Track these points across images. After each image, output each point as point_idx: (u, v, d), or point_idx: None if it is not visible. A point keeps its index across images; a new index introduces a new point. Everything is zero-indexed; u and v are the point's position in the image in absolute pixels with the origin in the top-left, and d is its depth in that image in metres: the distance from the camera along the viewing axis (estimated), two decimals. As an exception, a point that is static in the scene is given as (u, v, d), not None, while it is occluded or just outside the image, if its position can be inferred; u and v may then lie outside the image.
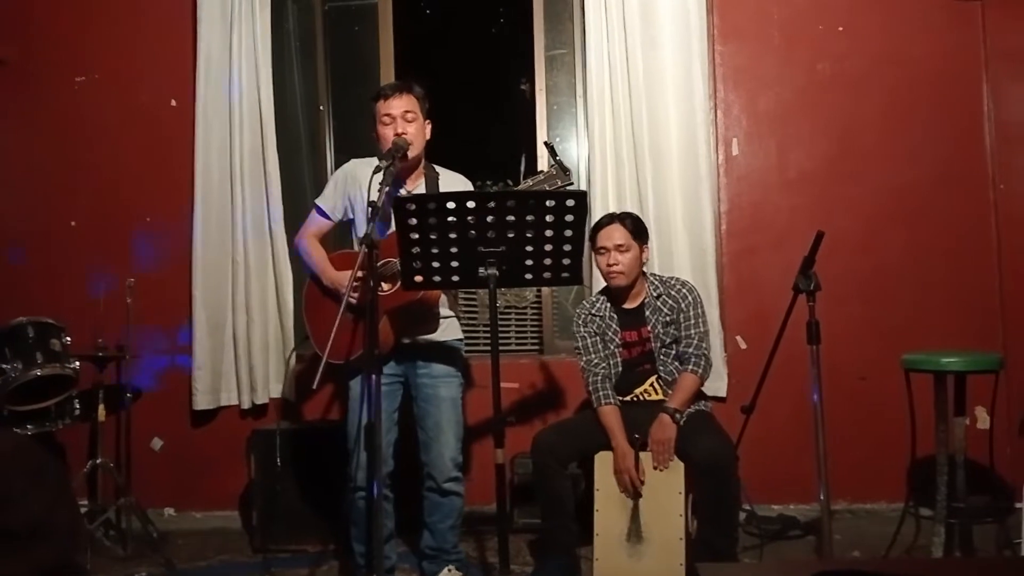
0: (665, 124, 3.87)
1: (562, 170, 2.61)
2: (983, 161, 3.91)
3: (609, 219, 3.15)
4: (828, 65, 3.98)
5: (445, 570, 2.95)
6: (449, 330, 3.02)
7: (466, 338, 3.17)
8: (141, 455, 3.97)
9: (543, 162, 4.07)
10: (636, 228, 3.12)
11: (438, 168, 3.04)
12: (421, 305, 2.84)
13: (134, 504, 3.55)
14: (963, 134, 3.92)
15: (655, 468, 2.91)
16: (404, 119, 2.86)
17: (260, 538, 3.56)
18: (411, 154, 2.84)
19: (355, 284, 2.67)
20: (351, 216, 3.02)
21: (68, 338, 3.46)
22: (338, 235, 3.33)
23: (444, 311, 2.99)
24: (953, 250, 3.88)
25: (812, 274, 2.72)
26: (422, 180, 2.98)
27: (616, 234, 3.08)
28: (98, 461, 3.54)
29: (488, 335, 2.48)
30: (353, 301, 2.73)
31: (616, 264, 3.07)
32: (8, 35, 4.26)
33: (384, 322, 2.78)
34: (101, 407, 3.57)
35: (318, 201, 3.08)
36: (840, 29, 3.97)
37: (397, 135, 2.83)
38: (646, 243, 3.16)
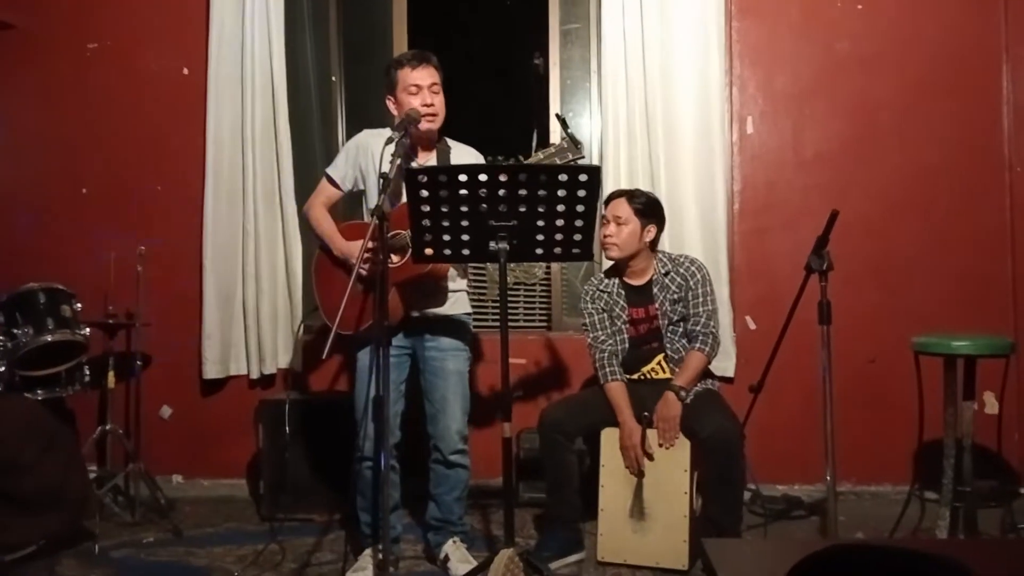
0: (679, 101, 3.84)
1: (573, 143, 2.59)
2: (1000, 145, 3.87)
3: (619, 193, 3.17)
4: (846, 44, 3.93)
5: (450, 541, 2.97)
6: (458, 304, 3.02)
7: (474, 313, 3.17)
8: (150, 422, 4.00)
9: (555, 136, 4.05)
10: (643, 207, 3.10)
11: (450, 141, 3.02)
12: (430, 278, 2.83)
13: (143, 471, 3.58)
14: (981, 117, 3.88)
15: (660, 446, 2.92)
16: (431, 91, 2.86)
17: (267, 506, 3.60)
18: (436, 127, 2.86)
19: (365, 256, 2.67)
20: (361, 187, 3.01)
21: (79, 305, 3.48)
22: (347, 205, 3.33)
23: (453, 285, 2.99)
24: (967, 234, 3.85)
25: (825, 254, 2.71)
26: (433, 153, 2.97)
27: (619, 208, 3.09)
28: (107, 427, 3.57)
29: (496, 311, 2.48)
30: (364, 272, 2.73)
31: (611, 236, 3.08)
32: (20, 0, 4.24)
33: (393, 294, 2.78)
34: (111, 374, 3.60)
35: (329, 170, 3.06)
36: (859, 7, 3.92)
37: (425, 105, 2.83)
38: (653, 223, 3.12)
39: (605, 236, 3.10)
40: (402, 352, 2.95)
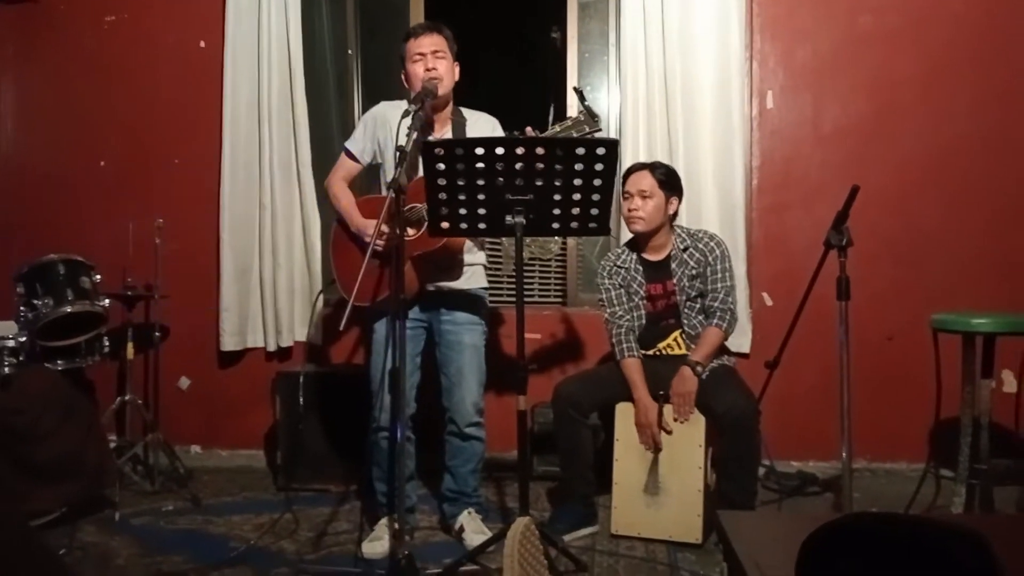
0: (699, 75, 3.80)
1: (590, 116, 2.57)
2: (1022, 121, 3.80)
3: (640, 166, 3.16)
4: (869, 18, 3.87)
5: (465, 512, 2.99)
6: (474, 278, 3.02)
7: (490, 288, 3.16)
8: (169, 393, 4.05)
9: (572, 110, 4.02)
10: (666, 179, 3.10)
11: (465, 112, 3.01)
12: (446, 251, 2.83)
13: (161, 441, 3.63)
14: (1005, 94, 3.80)
15: (675, 420, 2.92)
16: (434, 56, 2.84)
17: (284, 477, 3.64)
18: (440, 92, 2.81)
19: (380, 232, 2.68)
20: (380, 160, 3.01)
21: (98, 276, 3.50)
22: (364, 179, 3.33)
23: (470, 257, 2.99)
24: (987, 210, 3.80)
25: (845, 229, 2.69)
26: (449, 125, 2.96)
27: (643, 181, 3.07)
28: (126, 398, 3.61)
29: (512, 285, 2.48)
30: (379, 248, 2.73)
31: (636, 209, 3.06)
32: (39, -28, 4.24)
33: (408, 267, 2.78)
34: (130, 345, 3.63)
35: (347, 144, 3.06)
36: (883, -19, 3.86)
37: (427, 70, 2.80)
38: (675, 195, 3.12)
39: (630, 210, 3.08)
40: (418, 325, 2.96)
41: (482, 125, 2.97)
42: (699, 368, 2.95)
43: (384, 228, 2.65)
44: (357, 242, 2.93)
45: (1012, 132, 3.80)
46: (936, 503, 3.21)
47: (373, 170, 3.08)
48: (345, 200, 3.00)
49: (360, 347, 4.03)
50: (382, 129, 2.96)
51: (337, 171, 3.06)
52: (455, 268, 2.96)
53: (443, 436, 3.03)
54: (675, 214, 3.15)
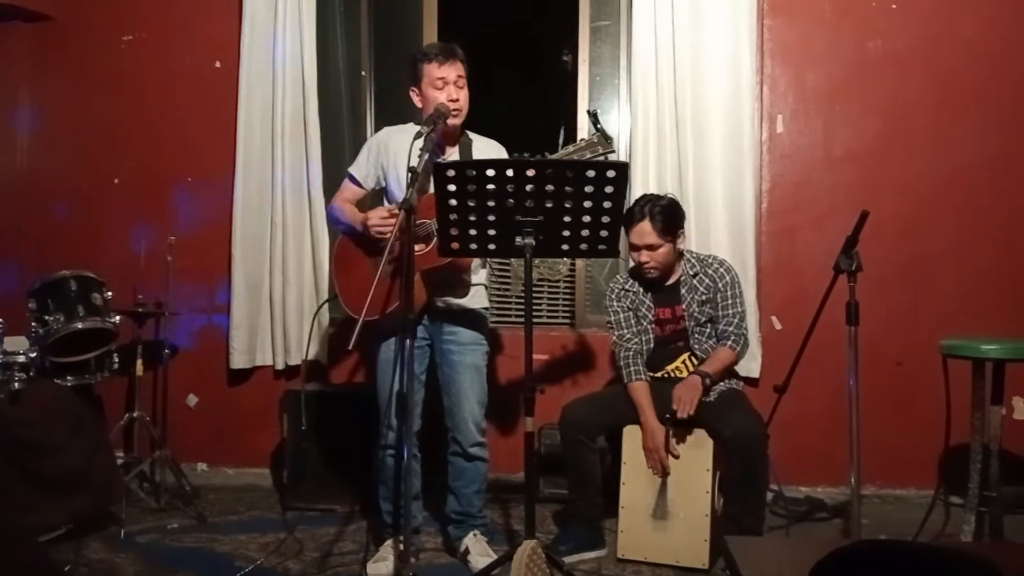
0: (709, 99, 3.81)
1: (604, 138, 2.59)
2: (1035, 146, 3.81)
3: (641, 214, 3.00)
4: (879, 43, 3.88)
5: (471, 535, 2.98)
6: (476, 297, 3.03)
7: (498, 309, 3.17)
8: (177, 410, 4.05)
9: (583, 133, 4.04)
10: (667, 223, 2.99)
11: (471, 134, 3.03)
12: (453, 267, 2.84)
13: (169, 458, 3.63)
14: (1015, 118, 3.80)
15: (675, 410, 2.86)
16: (457, 86, 2.86)
17: (290, 496, 3.63)
18: (459, 121, 2.84)
19: (385, 217, 2.68)
20: (383, 184, 3.03)
21: (109, 293, 3.52)
22: (372, 203, 3.35)
23: (474, 278, 3.00)
24: (998, 235, 3.79)
25: (854, 254, 2.69)
26: (457, 147, 2.98)
27: (646, 235, 2.99)
28: (135, 414, 3.62)
29: (520, 306, 2.48)
30: (385, 234, 2.73)
31: (648, 262, 3.03)
32: (58, -9, 4.31)
33: (417, 279, 2.78)
34: (139, 362, 3.64)
35: (351, 169, 3.09)
36: (893, 6, 3.87)
37: (452, 100, 2.82)
38: (680, 230, 3.07)
39: (642, 263, 3.03)
40: (422, 343, 2.97)
41: (488, 148, 2.99)
42: (707, 379, 2.93)
43: (394, 209, 2.64)
44: (362, 255, 2.93)
45: (1022, 154, 3.79)
46: (945, 530, 3.18)
47: (378, 194, 3.10)
48: (348, 209, 3.01)
49: (365, 367, 4.03)
50: (385, 154, 2.98)
51: (341, 194, 3.08)
52: (461, 286, 2.97)
53: (446, 456, 3.02)
54: (681, 246, 3.13)
